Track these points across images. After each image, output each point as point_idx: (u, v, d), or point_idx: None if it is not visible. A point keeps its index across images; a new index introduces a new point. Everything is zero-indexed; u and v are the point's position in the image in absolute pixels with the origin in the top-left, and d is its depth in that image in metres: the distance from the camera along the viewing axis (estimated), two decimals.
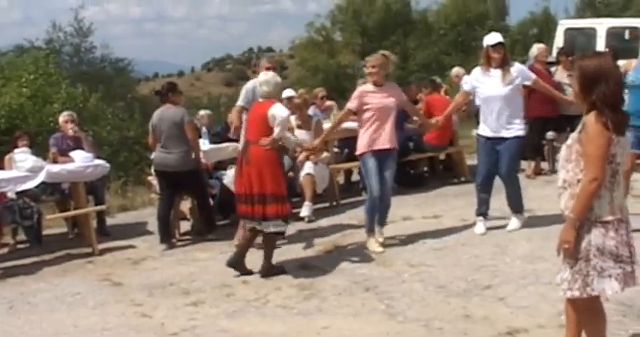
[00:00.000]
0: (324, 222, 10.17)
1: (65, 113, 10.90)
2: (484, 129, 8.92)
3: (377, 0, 51.87)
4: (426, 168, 13.42)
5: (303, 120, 10.99)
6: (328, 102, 13.75)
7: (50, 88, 24.82)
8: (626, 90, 8.34)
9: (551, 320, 5.91)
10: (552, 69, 12.37)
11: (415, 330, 6.08)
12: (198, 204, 9.93)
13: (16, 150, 9.74)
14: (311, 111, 12.12)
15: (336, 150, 12.30)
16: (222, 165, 10.97)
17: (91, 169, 9.74)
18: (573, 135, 4.54)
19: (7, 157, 10.02)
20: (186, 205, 10.43)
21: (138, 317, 6.92)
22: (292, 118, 10.80)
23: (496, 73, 8.75)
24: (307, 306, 6.85)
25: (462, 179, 12.57)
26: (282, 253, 8.67)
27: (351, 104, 8.70)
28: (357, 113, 8.75)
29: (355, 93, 8.80)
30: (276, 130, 7.79)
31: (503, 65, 8.74)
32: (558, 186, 4.63)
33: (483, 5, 51.19)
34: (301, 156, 10.70)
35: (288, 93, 11.56)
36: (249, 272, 8.00)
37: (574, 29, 19.25)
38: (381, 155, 8.64)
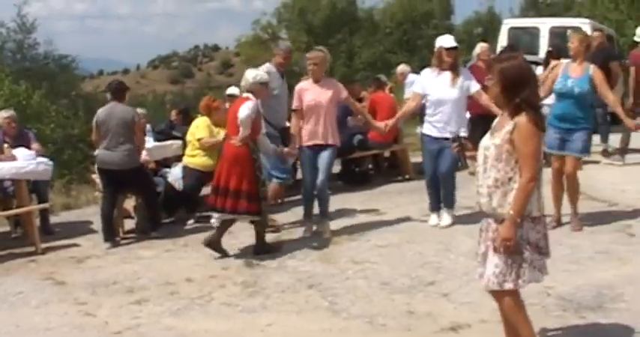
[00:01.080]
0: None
1: (5, 115, 10.73)
2: (430, 129, 9.09)
3: None
4: (370, 166, 13.47)
5: None
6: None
7: None
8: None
9: (493, 315, 5.94)
10: (538, 69, 12.54)
11: (359, 327, 6.14)
12: (145, 201, 9.86)
13: None
14: None
15: None
16: (166, 163, 10.94)
17: (33, 166, 9.64)
18: (501, 136, 4.66)
19: None
20: (130, 203, 10.37)
21: (81, 316, 6.86)
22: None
23: (446, 75, 8.92)
24: (251, 303, 6.85)
25: (407, 176, 12.66)
26: (227, 250, 8.66)
27: (295, 104, 9.09)
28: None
29: (295, 92, 9.13)
30: (240, 130, 8.05)
31: (454, 69, 8.94)
32: (488, 184, 4.72)
33: (429, 4, 51.56)
34: None
35: (231, 91, 11.59)
36: (226, 254, 8.41)
37: (518, 28, 19.51)
38: (316, 150, 8.98)
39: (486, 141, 4.81)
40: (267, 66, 10.05)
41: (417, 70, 12.52)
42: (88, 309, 7.04)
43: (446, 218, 9.24)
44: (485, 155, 4.77)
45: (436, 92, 8.94)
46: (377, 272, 7.54)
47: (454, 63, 8.96)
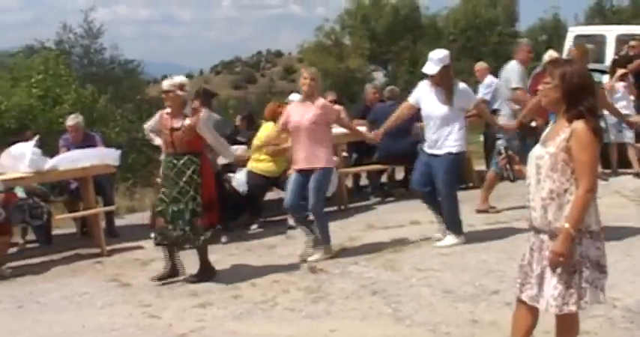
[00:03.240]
0: (332, 226, 10.10)
1: (70, 123, 10.87)
2: (425, 144, 8.94)
3: (386, 4, 51.96)
4: None
5: None
6: (337, 107, 13.76)
7: (60, 89, 24.91)
8: None
9: None
10: (604, 77, 12.44)
11: (422, 335, 6.09)
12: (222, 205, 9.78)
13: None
14: None
15: (344, 154, 12.32)
16: (230, 168, 10.98)
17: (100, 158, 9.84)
18: (557, 144, 4.40)
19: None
20: None
21: (146, 318, 6.94)
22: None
23: (439, 91, 8.66)
24: (315, 309, 6.86)
25: (470, 184, 12.58)
26: (290, 256, 8.72)
27: (280, 122, 8.91)
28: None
29: (285, 112, 8.93)
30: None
31: (449, 86, 8.64)
32: (542, 196, 4.45)
33: (493, 11, 51.30)
34: None
35: (293, 97, 11.60)
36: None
37: (584, 36, 19.24)
38: (302, 174, 8.61)
39: (539, 150, 4.54)
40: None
41: (495, 72, 12.46)
42: (153, 311, 7.11)
43: (447, 239, 8.92)
44: (538, 165, 4.49)
45: (426, 107, 8.75)
46: (440, 280, 7.48)
47: (444, 84, 8.61)
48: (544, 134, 4.64)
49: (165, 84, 7.91)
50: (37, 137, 9.93)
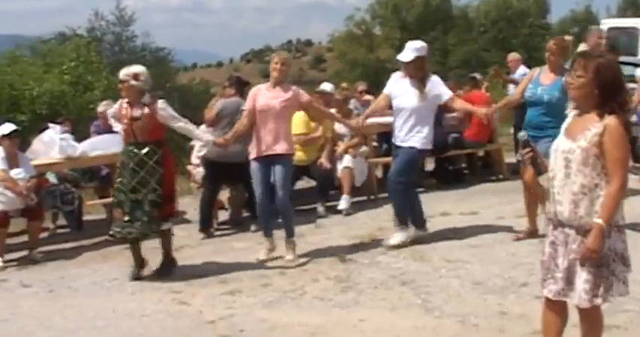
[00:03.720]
0: (362, 216, 10.19)
1: (100, 109, 10.93)
2: (394, 135, 8.70)
3: None
4: (464, 165, 13.40)
5: (343, 114, 11.00)
6: (367, 97, 13.78)
7: (91, 76, 25.07)
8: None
9: None
10: (637, 70, 12.32)
11: (451, 326, 6.09)
12: (249, 194, 9.82)
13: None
14: (352, 104, 12.16)
15: (375, 144, 12.32)
16: None
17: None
18: (589, 138, 4.30)
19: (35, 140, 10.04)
20: (224, 195, 10.50)
21: (176, 305, 6.98)
22: (332, 111, 10.87)
23: (412, 83, 8.44)
24: (344, 298, 6.87)
25: (500, 176, 12.54)
26: (319, 245, 8.74)
27: (247, 104, 8.45)
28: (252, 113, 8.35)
29: (249, 94, 8.55)
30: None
31: (421, 77, 8.42)
32: (574, 191, 4.38)
33: (525, 2, 51.00)
34: (340, 149, 10.73)
35: (324, 86, 11.62)
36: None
37: (616, 28, 19.10)
38: (269, 161, 8.24)
39: (566, 143, 4.44)
40: None
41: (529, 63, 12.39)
42: (183, 298, 7.15)
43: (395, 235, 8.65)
44: (567, 159, 4.40)
45: (398, 98, 8.50)
46: (469, 272, 7.48)
47: (416, 74, 8.39)
48: (566, 126, 4.56)
49: (121, 73, 7.82)
50: (61, 125, 10.06)
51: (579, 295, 4.42)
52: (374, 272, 7.62)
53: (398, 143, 8.52)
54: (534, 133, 7.88)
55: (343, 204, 10.43)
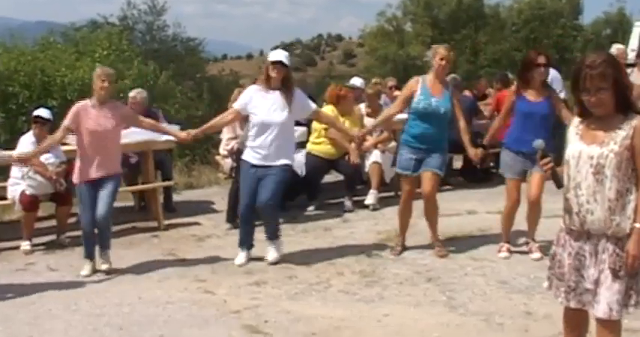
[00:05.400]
0: (389, 211, 10.17)
1: (132, 94, 10.92)
2: (252, 156, 7.93)
3: None
4: (492, 164, 13.34)
5: (373, 109, 11.01)
6: (396, 93, 13.75)
7: (122, 64, 25.16)
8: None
9: None
10: (628, 70, 12.20)
11: (476, 324, 6.09)
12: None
13: None
14: (382, 100, 12.15)
15: None
16: None
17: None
18: (619, 142, 4.15)
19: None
20: None
21: (201, 293, 7.02)
22: (362, 106, 10.88)
23: (275, 95, 7.84)
24: (369, 293, 6.89)
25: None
26: (345, 239, 8.75)
27: (67, 122, 7.83)
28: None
29: (71, 111, 7.87)
30: None
31: (284, 88, 7.84)
32: (610, 197, 4.18)
33: (558, 2, 50.61)
34: (368, 144, 10.72)
35: (354, 81, 11.63)
36: None
37: None
38: (96, 183, 7.81)
39: (592, 149, 4.22)
40: None
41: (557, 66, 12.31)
42: (208, 287, 7.19)
43: (272, 252, 8.02)
44: (600, 164, 4.17)
45: (260, 114, 7.80)
46: (495, 271, 7.48)
47: (283, 81, 7.80)
48: (578, 132, 4.35)
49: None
50: None
51: (609, 307, 4.23)
52: (399, 268, 7.64)
53: (268, 163, 7.90)
54: (428, 147, 7.87)
55: (370, 198, 10.43)
